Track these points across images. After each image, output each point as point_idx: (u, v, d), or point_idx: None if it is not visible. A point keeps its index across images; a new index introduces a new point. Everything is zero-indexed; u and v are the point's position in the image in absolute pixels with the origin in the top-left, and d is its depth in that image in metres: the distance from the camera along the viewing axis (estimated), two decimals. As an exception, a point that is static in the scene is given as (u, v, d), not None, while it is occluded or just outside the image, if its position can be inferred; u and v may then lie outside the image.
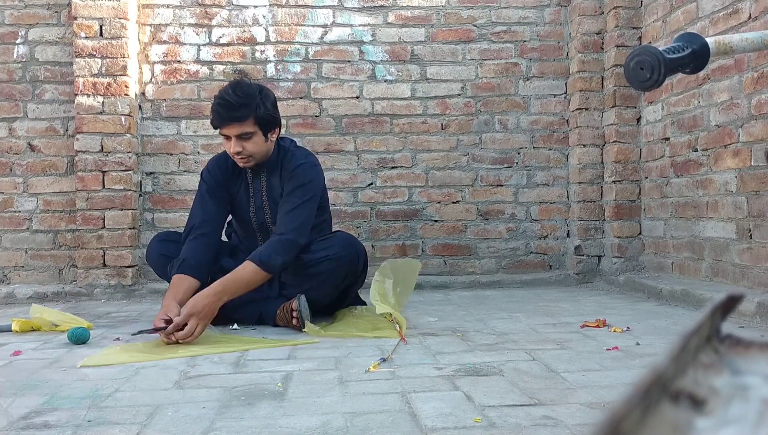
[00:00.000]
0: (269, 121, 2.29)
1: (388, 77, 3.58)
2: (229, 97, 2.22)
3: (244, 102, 2.22)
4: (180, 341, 1.98)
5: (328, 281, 2.31)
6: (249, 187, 2.45)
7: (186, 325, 2.00)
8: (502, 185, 3.62)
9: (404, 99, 3.58)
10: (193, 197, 3.53)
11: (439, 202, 3.59)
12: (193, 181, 3.50)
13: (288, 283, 2.39)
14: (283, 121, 3.50)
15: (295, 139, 3.49)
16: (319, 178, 2.44)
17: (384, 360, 1.75)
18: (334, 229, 2.73)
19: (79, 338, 2.08)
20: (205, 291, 2.12)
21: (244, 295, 2.33)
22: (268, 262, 2.19)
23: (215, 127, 2.32)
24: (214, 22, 3.52)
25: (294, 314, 2.22)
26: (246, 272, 2.17)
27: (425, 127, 3.59)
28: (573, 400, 1.37)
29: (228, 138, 2.28)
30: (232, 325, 2.31)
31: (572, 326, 2.26)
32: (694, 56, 1.23)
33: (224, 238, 2.65)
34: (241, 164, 2.35)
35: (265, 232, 2.47)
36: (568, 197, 3.66)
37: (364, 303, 2.64)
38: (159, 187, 3.50)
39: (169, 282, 2.44)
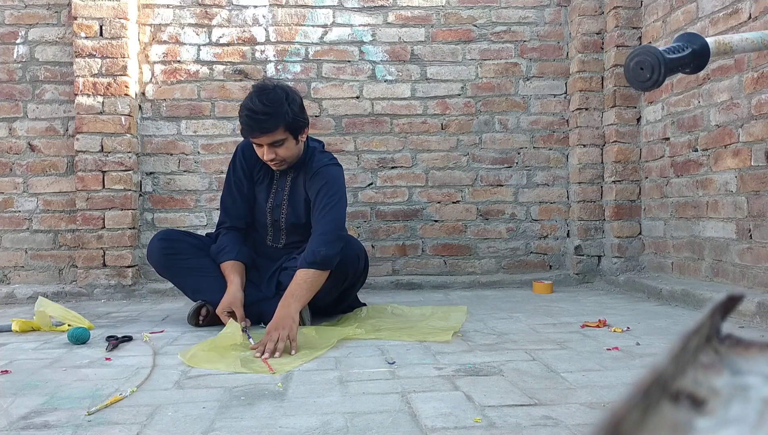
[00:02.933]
0: (298, 124, 2.28)
1: (388, 77, 3.58)
2: (257, 107, 2.19)
3: (272, 111, 2.19)
4: (272, 355, 1.86)
5: (327, 281, 2.31)
6: (273, 183, 2.45)
7: (272, 342, 1.91)
8: (502, 185, 3.62)
9: (404, 99, 3.58)
10: (193, 197, 3.56)
11: (439, 202, 3.59)
12: (193, 181, 3.50)
13: (286, 283, 2.38)
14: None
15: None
16: (343, 178, 2.44)
17: (392, 363, 1.75)
18: None
19: (79, 338, 2.08)
20: (279, 310, 2.07)
21: (244, 295, 2.33)
22: (315, 260, 2.16)
23: (245, 138, 2.33)
24: (214, 22, 3.52)
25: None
26: (306, 279, 2.15)
27: (425, 127, 3.59)
28: (573, 400, 1.37)
29: (260, 145, 2.28)
30: (259, 324, 2.31)
31: (572, 326, 2.26)
32: (694, 56, 1.23)
33: None
34: (274, 168, 2.36)
35: (276, 229, 2.48)
36: (568, 197, 3.66)
37: (363, 304, 2.64)
38: (159, 187, 3.50)
39: (170, 280, 2.48)
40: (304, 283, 2.14)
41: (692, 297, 2.63)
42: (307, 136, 2.43)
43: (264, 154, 2.28)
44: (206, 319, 2.37)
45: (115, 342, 2.06)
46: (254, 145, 2.32)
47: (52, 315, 2.31)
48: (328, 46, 3.56)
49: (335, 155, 3.50)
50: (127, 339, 2.13)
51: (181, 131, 3.51)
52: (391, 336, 2.10)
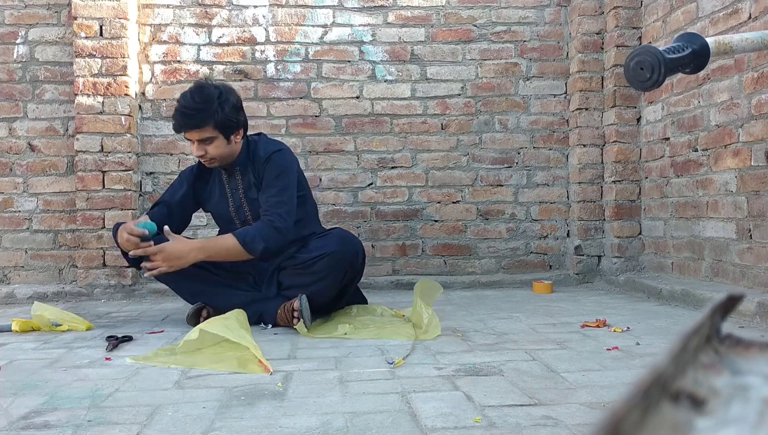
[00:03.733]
0: (229, 124, 2.31)
1: (388, 77, 3.58)
2: (188, 103, 2.27)
3: (202, 107, 2.26)
4: (147, 268, 2.19)
5: (327, 278, 2.31)
6: (225, 187, 2.47)
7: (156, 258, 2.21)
8: (502, 185, 3.62)
9: (404, 99, 3.58)
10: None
11: (439, 202, 3.59)
12: (193, 181, 3.50)
13: (286, 282, 2.39)
14: (283, 121, 3.52)
15: (294, 139, 3.51)
16: (291, 163, 2.43)
17: (399, 359, 1.75)
18: (331, 227, 2.73)
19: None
20: (184, 240, 2.25)
21: (244, 295, 2.34)
22: (251, 243, 2.24)
23: (176, 132, 2.39)
24: (214, 22, 3.52)
25: (295, 314, 2.22)
26: (228, 242, 2.26)
27: (425, 127, 3.59)
28: (573, 400, 1.37)
29: (191, 141, 2.34)
30: (258, 324, 2.31)
31: (572, 326, 2.26)
32: (694, 56, 1.23)
33: None
34: (207, 165, 2.41)
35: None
36: (568, 197, 3.66)
37: (365, 301, 2.64)
38: (159, 187, 3.50)
39: (167, 285, 2.48)
40: (221, 247, 2.27)
41: (692, 297, 2.63)
42: (246, 135, 2.45)
43: (194, 150, 2.33)
44: (206, 320, 2.36)
45: (115, 342, 2.06)
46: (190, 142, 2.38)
47: (50, 317, 2.31)
48: (328, 46, 3.56)
49: (335, 155, 3.53)
50: (127, 339, 2.13)
51: (181, 131, 3.51)
52: (379, 334, 2.11)
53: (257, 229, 2.27)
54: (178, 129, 2.33)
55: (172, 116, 2.34)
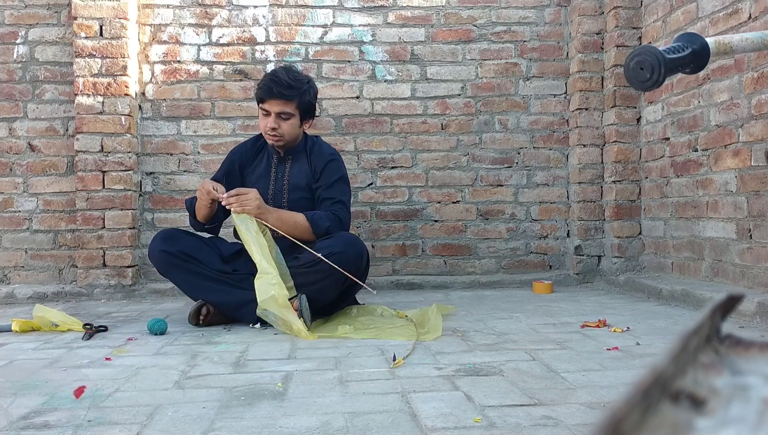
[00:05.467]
0: (309, 109, 2.51)
1: (388, 77, 3.58)
2: (282, 76, 2.44)
3: (294, 84, 2.44)
4: (234, 203, 2.29)
5: (330, 279, 2.31)
6: (272, 171, 2.59)
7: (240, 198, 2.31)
8: (502, 185, 3.62)
9: (404, 99, 3.58)
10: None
11: (439, 202, 3.59)
12: (193, 181, 3.50)
13: (294, 283, 2.38)
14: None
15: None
16: (346, 170, 2.67)
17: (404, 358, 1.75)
18: None
19: (158, 330, 2.21)
20: (269, 208, 2.38)
21: (245, 294, 2.33)
22: (318, 221, 2.39)
23: (260, 101, 2.49)
24: (214, 22, 3.52)
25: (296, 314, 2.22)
26: (297, 218, 2.39)
27: (425, 127, 3.59)
28: (573, 400, 1.37)
29: (267, 114, 2.47)
30: (255, 324, 2.32)
31: (572, 326, 2.26)
32: (694, 56, 1.23)
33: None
34: (271, 141, 2.53)
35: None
36: (568, 197, 3.66)
37: (358, 302, 2.65)
38: (159, 187, 3.50)
39: (171, 280, 2.54)
40: (290, 219, 2.37)
41: (692, 297, 2.63)
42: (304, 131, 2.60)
43: (269, 122, 2.46)
44: (206, 318, 2.37)
45: (91, 331, 2.18)
46: (260, 115, 2.50)
47: (51, 319, 2.32)
48: (328, 46, 3.56)
49: (335, 155, 3.53)
50: (103, 329, 2.27)
51: (181, 131, 3.51)
52: (378, 335, 2.12)
53: (325, 214, 2.43)
54: (264, 95, 2.44)
55: (259, 84, 2.47)
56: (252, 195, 2.32)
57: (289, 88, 2.42)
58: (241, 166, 2.64)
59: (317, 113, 3.51)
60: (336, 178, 2.54)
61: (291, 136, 2.52)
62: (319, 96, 3.54)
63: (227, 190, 2.50)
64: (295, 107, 2.45)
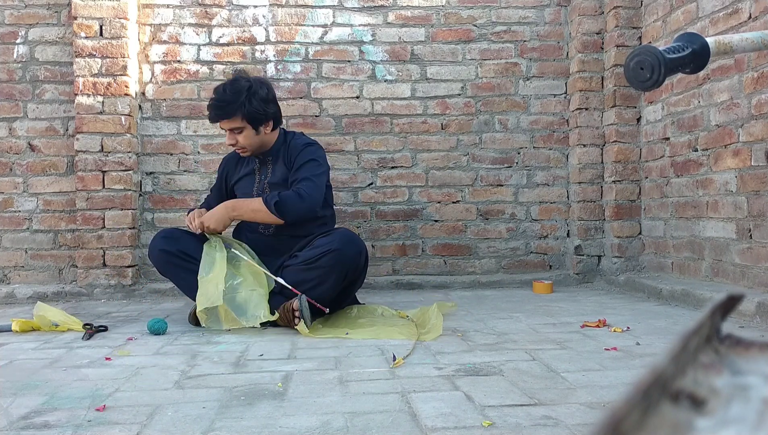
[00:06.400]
0: (257, 116, 2.49)
1: (388, 77, 3.58)
2: (218, 95, 2.48)
3: (231, 99, 2.46)
4: (198, 226, 2.45)
5: (330, 276, 2.31)
6: (255, 174, 2.64)
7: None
8: (502, 185, 3.62)
9: (404, 99, 3.58)
10: (193, 197, 3.59)
11: (439, 202, 3.59)
12: (193, 181, 3.50)
13: (288, 280, 2.38)
14: (284, 121, 3.52)
15: (295, 139, 3.51)
16: (324, 157, 2.63)
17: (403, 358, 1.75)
18: (337, 227, 2.74)
19: (158, 330, 2.22)
20: (222, 205, 2.51)
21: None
22: (270, 201, 2.41)
23: (211, 123, 2.64)
24: (214, 22, 3.52)
25: (296, 314, 2.22)
26: (254, 203, 2.48)
27: (425, 127, 3.59)
28: (573, 400, 1.37)
29: (227, 133, 2.54)
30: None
31: (572, 326, 2.26)
32: (694, 56, 1.23)
33: None
34: (240, 154, 2.60)
35: None
36: (568, 197, 3.66)
37: (358, 302, 2.65)
38: (159, 187, 3.50)
39: (171, 279, 2.59)
40: (253, 211, 2.47)
41: (692, 297, 2.63)
42: (279, 126, 2.63)
43: (227, 139, 2.55)
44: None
45: (91, 331, 2.19)
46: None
47: (51, 318, 2.32)
48: (328, 46, 3.56)
49: (335, 155, 3.53)
50: (103, 329, 2.27)
51: (181, 131, 3.51)
52: (379, 334, 2.11)
53: (281, 193, 2.46)
54: (211, 119, 2.54)
55: (207, 107, 2.56)
56: (204, 214, 2.49)
57: (227, 104, 2.45)
58: (228, 175, 2.74)
59: (315, 115, 3.52)
60: (305, 161, 2.53)
61: (253, 144, 2.54)
62: (319, 96, 3.57)
63: (221, 195, 2.71)
64: (240, 120, 2.47)
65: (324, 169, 2.58)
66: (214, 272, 2.31)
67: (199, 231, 2.47)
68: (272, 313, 2.29)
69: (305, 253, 2.36)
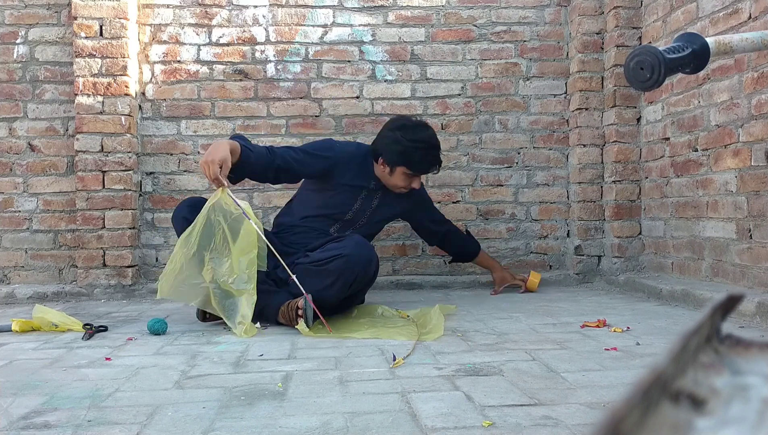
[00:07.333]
0: None
1: (388, 77, 3.58)
2: (437, 144, 2.66)
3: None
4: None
5: (338, 280, 2.30)
6: (363, 190, 2.67)
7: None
8: (502, 185, 3.62)
9: (404, 99, 3.58)
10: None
11: (439, 202, 3.59)
12: (193, 181, 3.50)
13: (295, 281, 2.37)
14: (283, 121, 3.53)
15: (295, 139, 3.51)
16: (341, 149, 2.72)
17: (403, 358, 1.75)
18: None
19: (158, 330, 2.21)
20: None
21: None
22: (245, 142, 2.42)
23: (423, 173, 2.68)
24: (214, 22, 3.52)
25: (300, 313, 2.22)
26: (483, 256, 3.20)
27: (425, 127, 3.59)
28: (573, 400, 1.37)
29: (413, 177, 2.64)
30: (255, 324, 2.31)
31: (572, 326, 2.26)
32: (694, 56, 1.23)
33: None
34: (398, 191, 2.70)
35: (348, 225, 2.68)
36: (568, 197, 3.66)
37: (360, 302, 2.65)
38: (159, 187, 3.50)
39: None
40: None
41: (692, 297, 2.63)
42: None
43: (413, 183, 2.66)
44: (213, 315, 2.34)
45: (91, 331, 2.18)
46: (401, 175, 2.62)
47: (50, 319, 2.32)
48: (328, 46, 3.56)
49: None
50: (103, 329, 2.27)
51: (181, 131, 3.51)
52: (379, 334, 2.12)
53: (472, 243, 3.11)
54: (428, 169, 2.67)
55: (418, 156, 2.59)
56: (210, 156, 2.18)
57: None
58: (336, 170, 2.61)
59: (315, 115, 3.52)
60: (431, 207, 3.10)
61: None
62: (319, 96, 3.57)
63: (290, 166, 2.51)
64: None
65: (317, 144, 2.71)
66: (195, 264, 2.20)
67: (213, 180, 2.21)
68: (254, 321, 2.25)
69: (316, 255, 2.36)
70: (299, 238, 2.60)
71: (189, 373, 1.67)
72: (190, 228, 2.23)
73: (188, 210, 2.39)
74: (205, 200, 2.33)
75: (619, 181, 3.44)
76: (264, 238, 2.23)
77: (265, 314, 2.33)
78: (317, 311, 2.20)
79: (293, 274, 2.28)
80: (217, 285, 2.22)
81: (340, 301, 2.40)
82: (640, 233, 3.45)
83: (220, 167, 2.17)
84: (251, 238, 2.20)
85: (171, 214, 3.46)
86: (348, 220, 2.68)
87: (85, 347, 2.04)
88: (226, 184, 2.21)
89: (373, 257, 2.39)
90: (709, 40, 1.25)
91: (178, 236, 2.38)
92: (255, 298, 2.21)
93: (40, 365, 1.79)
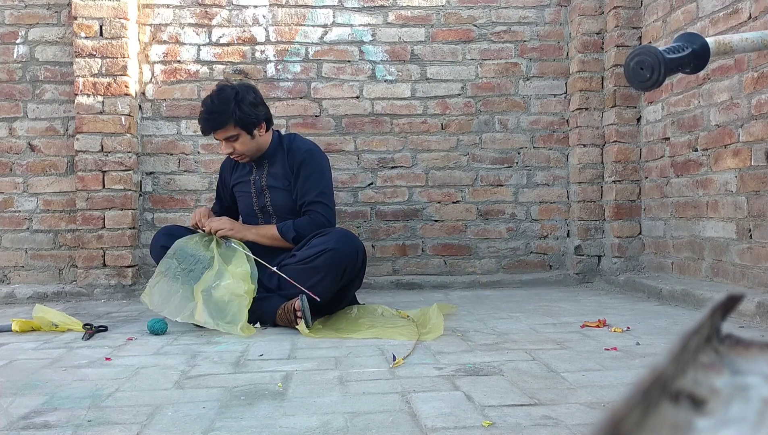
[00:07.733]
0: (249, 120, 2.49)
1: (388, 77, 3.58)
2: (207, 106, 2.48)
3: (220, 109, 2.45)
4: (208, 229, 2.46)
5: (327, 275, 2.31)
6: (252, 176, 2.65)
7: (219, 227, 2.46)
8: (502, 185, 3.62)
9: (404, 99, 3.58)
10: (193, 197, 3.59)
11: (439, 202, 3.59)
12: (193, 181, 3.50)
13: (285, 281, 2.38)
14: (283, 121, 3.52)
15: (295, 139, 3.51)
16: (328, 164, 2.65)
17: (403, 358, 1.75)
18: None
19: (158, 330, 2.22)
20: (244, 228, 2.55)
21: None
22: (285, 233, 2.49)
23: (204, 135, 2.62)
24: (214, 22, 3.52)
25: (298, 314, 2.22)
26: (270, 231, 2.53)
27: (425, 127, 3.59)
28: (573, 400, 1.37)
29: (221, 142, 2.55)
30: (255, 324, 2.31)
31: (572, 326, 2.26)
32: (694, 56, 1.23)
33: None
34: (238, 160, 2.62)
35: (266, 215, 2.64)
36: (568, 197, 3.66)
37: (358, 302, 2.65)
38: (159, 187, 3.50)
39: None
40: (272, 238, 2.51)
41: (692, 297, 2.63)
42: (271, 127, 2.62)
43: (223, 148, 2.55)
44: None
45: (91, 331, 2.19)
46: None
47: (50, 319, 2.32)
48: (328, 46, 3.56)
49: (335, 155, 3.53)
50: (103, 329, 2.27)
51: (181, 131, 3.51)
52: (379, 334, 2.12)
53: (295, 222, 2.51)
54: (204, 132, 2.53)
55: (198, 121, 2.54)
56: (224, 221, 2.50)
57: (218, 114, 2.44)
58: (225, 181, 2.78)
59: (315, 115, 3.52)
60: (309, 173, 2.54)
61: (250, 149, 2.54)
62: (319, 96, 3.57)
63: (223, 202, 2.78)
64: (233, 127, 2.46)
65: (329, 179, 2.60)
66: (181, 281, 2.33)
67: (206, 231, 2.47)
68: (253, 323, 2.28)
69: (302, 253, 2.37)
70: (257, 245, 2.58)
71: (189, 373, 1.67)
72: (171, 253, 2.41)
73: (165, 238, 2.52)
74: (183, 228, 2.61)
75: (619, 181, 3.44)
76: (250, 254, 2.40)
77: (263, 320, 2.34)
78: (310, 294, 2.26)
79: (282, 274, 2.34)
80: (209, 293, 2.26)
81: (333, 294, 2.41)
82: (640, 233, 3.45)
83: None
84: (242, 259, 2.37)
85: (170, 215, 3.48)
86: (262, 208, 2.63)
87: (85, 347, 2.04)
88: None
89: (359, 248, 2.42)
90: (709, 40, 1.25)
91: (156, 263, 2.51)
92: (249, 300, 2.25)
93: (40, 365, 1.79)
